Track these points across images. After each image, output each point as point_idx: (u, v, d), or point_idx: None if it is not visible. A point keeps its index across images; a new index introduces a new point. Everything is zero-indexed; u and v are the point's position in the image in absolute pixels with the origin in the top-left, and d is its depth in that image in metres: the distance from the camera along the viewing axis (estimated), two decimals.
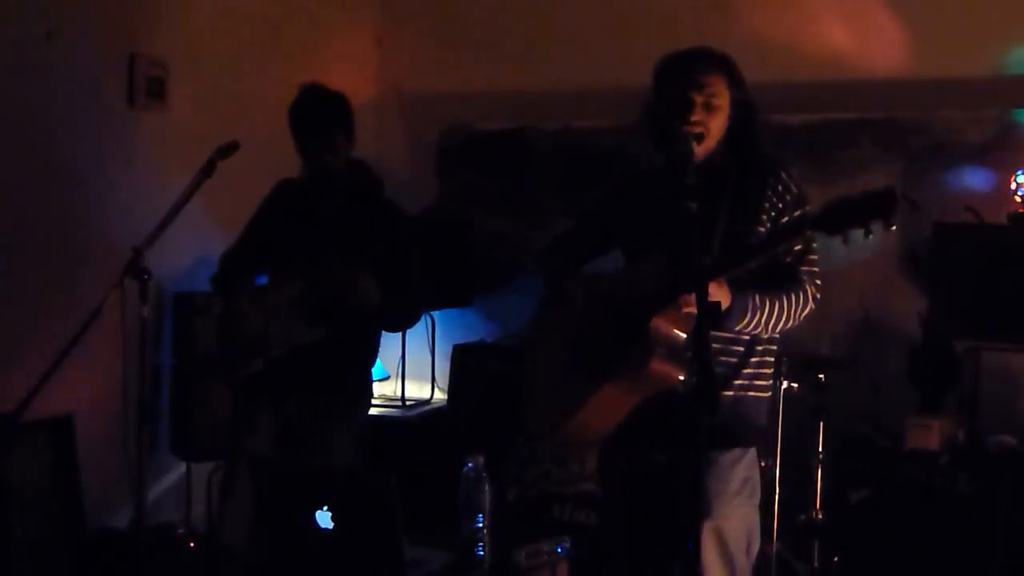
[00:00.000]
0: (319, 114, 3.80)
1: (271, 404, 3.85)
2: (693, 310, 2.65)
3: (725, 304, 2.81)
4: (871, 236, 2.56)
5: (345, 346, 3.85)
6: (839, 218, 2.58)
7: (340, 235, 3.74)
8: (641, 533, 3.03)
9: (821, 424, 4.42)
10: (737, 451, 2.98)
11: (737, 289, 2.84)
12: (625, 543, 3.10)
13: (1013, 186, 4.58)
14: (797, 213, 2.95)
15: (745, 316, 2.87)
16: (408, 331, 5.52)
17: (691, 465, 2.58)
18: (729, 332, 2.93)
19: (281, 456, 3.79)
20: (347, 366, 3.91)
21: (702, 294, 2.56)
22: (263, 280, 3.98)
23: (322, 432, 3.83)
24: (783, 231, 2.89)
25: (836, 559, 4.39)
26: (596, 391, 2.86)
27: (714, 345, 2.88)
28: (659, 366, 2.77)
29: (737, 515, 2.96)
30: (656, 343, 2.76)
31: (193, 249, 4.71)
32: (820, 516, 4.42)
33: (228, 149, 3.68)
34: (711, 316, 2.63)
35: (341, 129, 3.82)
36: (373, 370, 4.11)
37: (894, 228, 2.52)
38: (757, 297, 2.88)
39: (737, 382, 2.99)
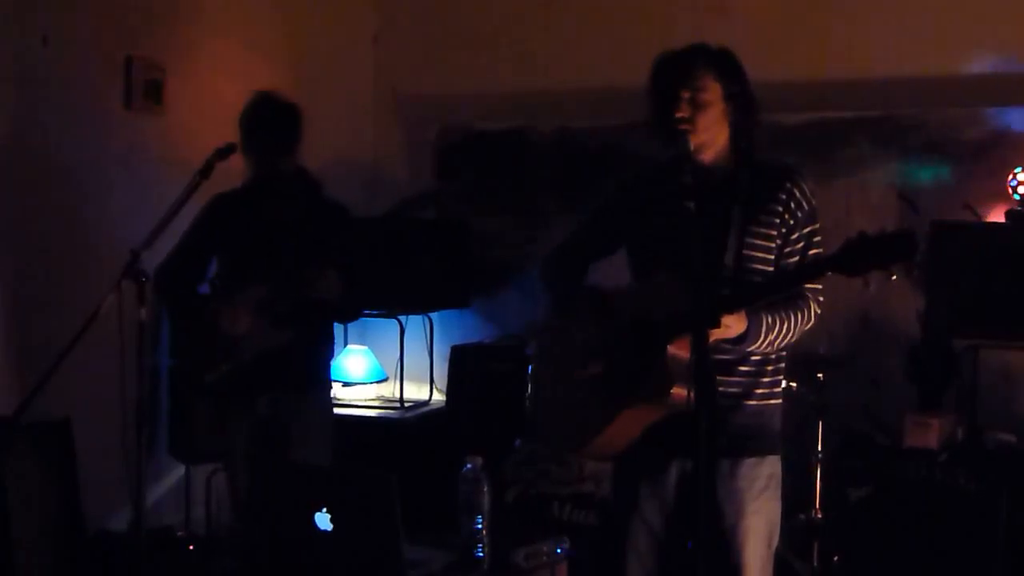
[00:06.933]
0: (279, 119, 3.88)
1: (242, 406, 3.91)
2: (713, 336, 2.74)
3: (741, 329, 2.86)
4: (895, 278, 2.59)
5: (311, 344, 3.96)
6: (859, 260, 2.61)
7: (295, 235, 3.84)
8: (662, 538, 3.06)
9: (820, 422, 4.43)
10: (762, 456, 3.04)
11: (751, 311, 2.87)
12: (631, 547, 3.11)
13: (1011, 184, 4.59)
14: (807, 230, 2.98)
15: (759, 338, 2.91)
16: (406, 333, 5.54)
17: (706, 471, 2.61)
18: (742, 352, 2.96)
19: (258, 456, 3.83)
20: (314, 362, 4.01)
21: (708, 320, 2.66)
22: (203, 290, 4.03)
23: (299, 430, 3.90)
24: (803, 272, 2.94)
25: (836, 558, 4.38)
26: (618, 414, 2.92)
27: (732, 356, 2.95)
28: (679, 391, 2.81)
29: (764, 510, 3.04)
30: (675, 372, 2.80)
31: None
32: (819, 515, 4.42)
33: (225, 151, 3.70)
34: (735, 343, 2.85)
35: (296, 135, 3.90)
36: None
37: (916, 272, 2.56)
38: (768, 317, 2.91)
39: (759, 391, 3.03)
